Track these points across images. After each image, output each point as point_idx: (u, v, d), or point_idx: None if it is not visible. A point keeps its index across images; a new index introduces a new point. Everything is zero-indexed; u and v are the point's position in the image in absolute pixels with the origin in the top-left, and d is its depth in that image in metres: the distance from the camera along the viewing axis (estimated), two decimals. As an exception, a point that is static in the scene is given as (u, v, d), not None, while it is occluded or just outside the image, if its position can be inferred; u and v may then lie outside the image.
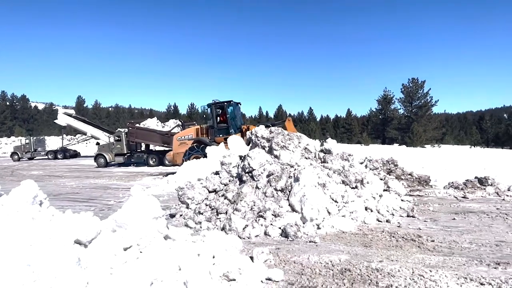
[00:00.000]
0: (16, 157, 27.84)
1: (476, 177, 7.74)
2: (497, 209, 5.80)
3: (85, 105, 76.09)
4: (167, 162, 18.49)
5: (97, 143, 23.87)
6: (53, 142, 36.52)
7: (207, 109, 14.09)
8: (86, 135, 26.42)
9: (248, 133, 7.84)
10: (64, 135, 37.15)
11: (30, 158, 28.35)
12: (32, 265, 2.01)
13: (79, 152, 29.92)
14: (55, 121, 27.56)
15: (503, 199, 6.52)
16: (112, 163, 20.48)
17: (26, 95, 77.57)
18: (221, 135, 13.09)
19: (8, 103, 72.97)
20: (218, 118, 13.31)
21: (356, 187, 5.90)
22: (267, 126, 15.11)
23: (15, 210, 2.57)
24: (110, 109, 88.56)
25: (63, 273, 2.14)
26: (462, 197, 6.78)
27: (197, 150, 12.42)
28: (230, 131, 12.98)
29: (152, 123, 21.06)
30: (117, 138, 20.48)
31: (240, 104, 14.75)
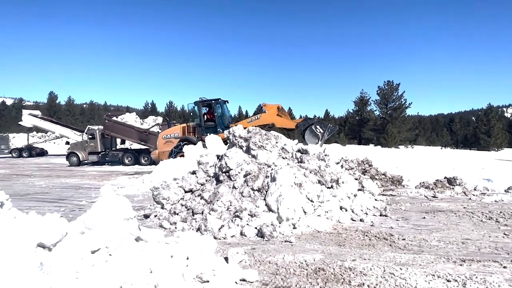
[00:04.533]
0: None
1: (445, 177, 8.06)
2: (464, 208, 6.06)
3: (57, 101, 72.97)
4: (143, 161, 18.08)
5: (67, 142, 23.01)
6: (20, 140, 34.78)
7: (194, 107, 13.86)
8: (54, 134, 25.57)
9: (225, 132, 7.78)
10: (34, 133, 35.55)
11: None
12: (-12, 271, 1.88)
13: (46, 151, 28.70)
14: (19, 122, 26.44)
15: (470, 198, 6.82)
16: (86, 161, 19.77)
17: (-8, 89, 73.62)
18: (208, 134, 12.84)
19: (-28, 98, 68.95)
20: (206, 116, 13.08)
21: (331, 186, 5.98)
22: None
23: (-28, 212, 2.40)
24: (84, 105, 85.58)
25: (24, 278, 2.02)
26: (432, 197, 7.03)
27: (182, 149, 12.22)
28: (218, 129, 12.82)
29: (130, 118, 20.49)
30: (91, 136, 19.80)
31: (228, 102, 14.62)
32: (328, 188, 5.91)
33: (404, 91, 47.24)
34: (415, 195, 7.33)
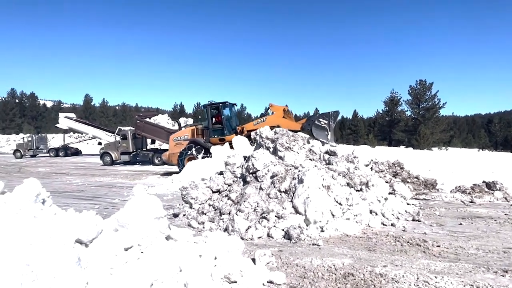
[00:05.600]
0: (18, 154, 28.18)
1: (484, 182, 7.62)
2: (505, 214, 5.69)
3: (92, 103, 76.64)
4: (156, 161, 18.69)
5: (99, 143, 24.15)
6: (58, 140, 36.89)
7: (202, 110, 14.14)
8: (88, 135, 27.01)
9: (252, 133, 7.80)
10: (71, 134, 37.49)
11: (33, 156, 28.71)
12: (31, 264, 2.00)
13: (80, 150, 30.29)
14: (56, 125, 28.15)
15: (512, 205, 6.40)
16: (118, 161, 20.59)
17: (35, 92, 78.45)
18: (216, 136, 13.12)
19: (17, 101, 73.85)
20: (214, 119, 13.34)
21: (361, 189, 5.83)
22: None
23: (17, 208, 2.56)
24: (117, 107, 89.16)
25: (63, 273, 2.13)
26: (470, 202, 6.67)
27: (192, 151, 12.48)
28: (225, 132, 13.03)
29: (163, 120, 21.05)
30: (123, 136, 20.59)
31: (236, 105, 14.77)
32: (357, 191, 5.77)
33: (438, 91, 45.35)
34: (450, 199, 6.99)
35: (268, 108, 13.67)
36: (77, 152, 29.60)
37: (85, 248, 2.54)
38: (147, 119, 20.49)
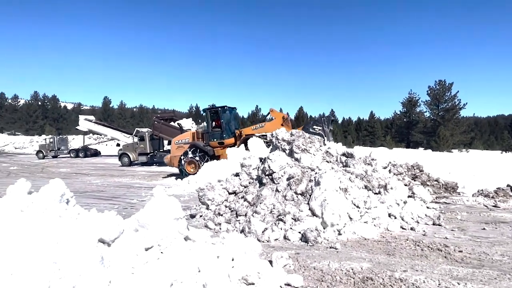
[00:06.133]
0: (41, 155, 29.22)
1: (508, 185, 7.36)
2: (531, 219, 5.47)
3: (111, 106, 78.43)
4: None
5: (117, 144, 24.77)
6: (78, 141, 37.98)
7: (203, 114, 14.33)
8: (106, 137, 27.79)
9: (268, 135, 7.80)
10: (91, 135, 38.49)
11: (54, 156, 29.69)
12: (58, 262, 2.07)
13: (99, 151, 31.11)
14: (77, 127, 29.04)
15: (539, 209, 6.15)
16: (136, 162, 21.00)
17: (56, 95, 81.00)
18: (215, 140, 13.30)
19: (40, 103, 76.41)
20: (214, 123, 13.54)
21: (379, 192, 5.74)
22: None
23: (43, 208, 2.66)
24: (134, 109, 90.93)
25: (87, 271, 2.19)
26: (493, 206, 6.45)
27: (191, 154, 12.66)
28: (224, 135, 13.22)
29: (187, 124, 21.28)
30: (141, 138, 20.99)
31: (236, 109, 14.98)
32: (375, 194, 5.68)
33: (458, 91, 44.06)
34: (472, 203, 6.78)
35: (268, 113, 13.90)
36: (96, 153, 30.42)
37: (107, 248, 2.60)
38: (174, 123, 20.68)
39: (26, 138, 48.73)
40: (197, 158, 12.43)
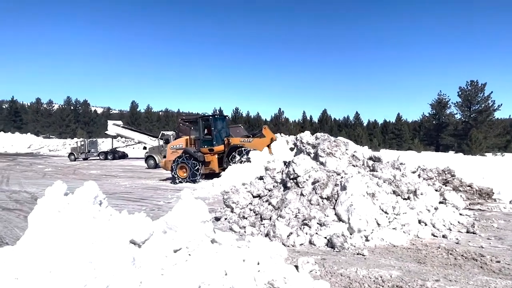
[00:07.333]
0: (72, 157, 30.61)
1: (550, 192, 6.90)
2: None
3: (138, 110, 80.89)
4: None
5: (144, 147, 25.62)
6: (107, 144, 39.47)
7: (186, 124, 15.00)
8: (134, 140, 28.81)
9: (292, 137, 7.75)
10: (119, 138, 39.85)
11: (85, 159, 30.99)
12: (93, 262, 2.16)
13: (127, 154, 32.22)
14: (105, 132, 30.24)
15: None
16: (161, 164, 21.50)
17: (87, 100, 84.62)
18: (205, 146, 13.77)
19: (72, 108, 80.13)
20: (206, 130, 14.12)
21: (408, 198, 5.55)
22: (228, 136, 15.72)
23: (78, 209, 2.78)
24: (160, 113, 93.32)
25: (120, 271, 2.27)
26: (533, 214, 6.07)
27: (183, 159, 13.13)
28: (214, 142, 13.76)
29: None
30: (166, 140, 21.50)
31: (228, 117, 15.76)
32: (404, 199, 5.50)
33: (492, 92, 41.91)
34: (510, 211, 6.41)
35: (261, 130, 14.56)
36: (124, 156, 31.51)
37: (138, 249, 2.69)
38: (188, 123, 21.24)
39: (60, 141, 51.19)
40: (189, 164, 12.89)
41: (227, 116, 15.80)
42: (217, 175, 13.91)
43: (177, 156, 13.50)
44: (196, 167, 12.88)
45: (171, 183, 13.11)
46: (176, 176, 13.03)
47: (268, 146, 13.72)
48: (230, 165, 12.65)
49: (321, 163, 6.33)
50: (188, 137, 14.99)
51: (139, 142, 29.53)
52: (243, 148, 13.13)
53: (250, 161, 11.62)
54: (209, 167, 13.60)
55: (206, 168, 13.53)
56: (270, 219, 5.56)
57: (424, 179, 7.27)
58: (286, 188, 6.09)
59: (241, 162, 12.24)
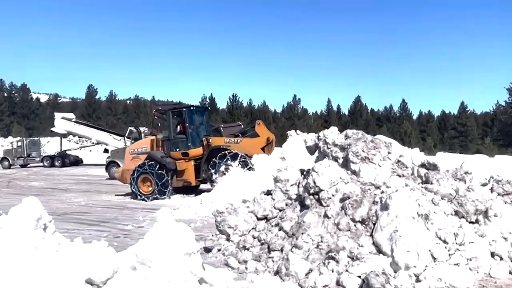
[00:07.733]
0: (6, 163, 30.85)
1: None
2: None
3: (97, 97, 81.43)
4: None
5: (105, 150, 25.69)
6: (54, 146, 39.58)
7: (163, 116, 15.04)
8: (91, 140, 28.85)
9: (310, 136, 7.79)
10: (71, 137, 40.14)
11: (23, 165, 31.21)
12: (35, 310, 2.18)
13: (81, 159, 32.34)
14: (52, 129, 30.54)
15: None
16: (130, 174, 21.61)
17: (27, 84, 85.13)
18: (177, 149, 13.64)
19: (5, 94, 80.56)
20: (178, 127, 13.98)
21: (476, 221, 5.57)
22: (216, 130, 15.47)
23: (15, 236, 2.81)
24: (128, 102, 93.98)
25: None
26: None
27: (146, 169, 13.06)
28: (189, 144, 13.57)
29: None
30: (135, 140, 21.56)
31: (208, 110, 15.54)
32: (470, 223, 5.52)
33: None
34: None
35: (254, 126, 14.37)
36: (77, 161, 31.75)
37: (97, 292, 2.71)
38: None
39: (-15, 142, 51.51)
40: (154, 174, 12.80)
41: (207, 108, 15.76)
42: (196, 189, 13.88)
43: (139, 163, 13.42)
44: (164, 179, 12.78)
45: (181, 197, 13.13)
46: (136, 191, 12.96)
47: (264, 148, 13.52)
48: (210, 174, 12.50)
49: (353, 172, 6.35)
50: (153, 137, 14.79)
51: (98, 143, 29.79)
52: (227, 151, 12.76)
53: (252, 169, 11.56)
54: (182, 178, 13.47)
55: (178, 180, 13.43)
56: (281, 250, 5.58)
57: (499, 194, 7.25)
58: (303, 207, 6.11)
59: (223, 173, 12.01)
